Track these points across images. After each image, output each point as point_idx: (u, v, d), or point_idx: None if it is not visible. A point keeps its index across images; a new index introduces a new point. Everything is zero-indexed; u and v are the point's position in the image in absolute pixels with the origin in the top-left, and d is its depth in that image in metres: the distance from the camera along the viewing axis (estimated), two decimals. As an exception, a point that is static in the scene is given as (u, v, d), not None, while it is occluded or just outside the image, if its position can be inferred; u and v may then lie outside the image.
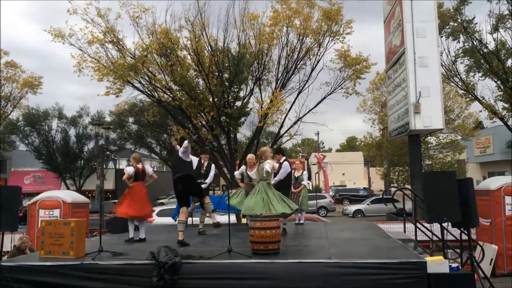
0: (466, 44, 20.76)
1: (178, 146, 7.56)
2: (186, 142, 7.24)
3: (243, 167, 8.97)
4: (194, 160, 8.17)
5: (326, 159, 55.61)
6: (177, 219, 7.46)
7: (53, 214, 11.20)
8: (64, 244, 6.15)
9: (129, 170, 7.78)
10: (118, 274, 5.63)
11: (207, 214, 8.26)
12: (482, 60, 20.51)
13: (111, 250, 6.33)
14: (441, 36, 19.55)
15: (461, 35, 20.53)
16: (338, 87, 19.59)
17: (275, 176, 8.14)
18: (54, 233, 6.25)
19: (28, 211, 11.63)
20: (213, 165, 9.38)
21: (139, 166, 7.87)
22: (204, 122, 19.46)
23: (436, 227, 7.59)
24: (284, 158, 8.57)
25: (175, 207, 10.66)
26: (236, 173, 9.22)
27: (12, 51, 28.01)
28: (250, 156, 8.81)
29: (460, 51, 21.03)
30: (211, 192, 10.75)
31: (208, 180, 8.90)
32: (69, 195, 12.25)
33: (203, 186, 8.34)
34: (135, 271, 5.62)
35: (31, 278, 5.76)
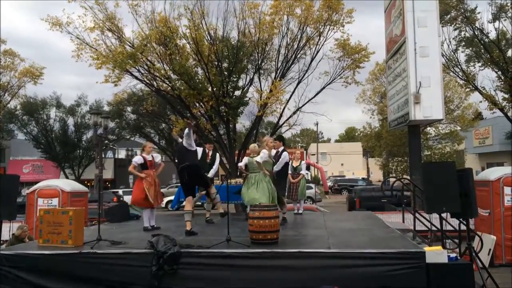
0: (467, 33, 20.63)
1: (178, 137, 7.51)
2: (187, 130, 7.16)
3: (246, 158, 8.88)
4: (199, 150, 8.10)
5: (325, 149, 55.72)
6: (184, 209, 7.40)
7: (51, 203, 11.18)
8: (63, 232, 6.14)
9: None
10: (117, 263, 5.63)
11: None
12: (483, 50, 20.40)
13: (109, 239, 6.33)
14: (442, 26, 19.41)
15: (462, 25, 20.38)
16: (337, 77, 19.55)
17: (274, 165, 8.12)
18: (52, 222, 6.24)
19: (26, 199, 11.62)
20: (217, 155, 9.36)
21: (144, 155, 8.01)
22: (203, 112, 19.39)
23: (435, 217, 7.59)
24: (283, 147, 8.54)
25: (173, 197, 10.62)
26: (241, 164, 9.09)
27: (7, 41, 27.88)
28: (251, 146, 8.77)
29: (461, 40, 20.88)
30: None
31: (213, 170, 8.86)
32: (68, 184, 12.23)
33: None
34: (133, 260, 5.62)
35: (29, 266, 5.76)
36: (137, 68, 17.81)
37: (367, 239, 6.39)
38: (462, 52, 21.30)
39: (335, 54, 19.14)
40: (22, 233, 8.24)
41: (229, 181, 7.88)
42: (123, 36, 17.86)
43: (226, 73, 18.12)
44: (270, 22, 17.99)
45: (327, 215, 10.95)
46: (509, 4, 19.35)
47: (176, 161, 7.55)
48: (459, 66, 21.51)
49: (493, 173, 10.26)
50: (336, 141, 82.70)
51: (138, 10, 17.55)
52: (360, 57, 18.81)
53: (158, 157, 8.35)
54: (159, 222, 8.72)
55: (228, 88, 18.45)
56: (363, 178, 43.74)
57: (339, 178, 47.87)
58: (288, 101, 19.36)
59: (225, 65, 18.39)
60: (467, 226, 6.57)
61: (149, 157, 7.93)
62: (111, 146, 40.04)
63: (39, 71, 29.49)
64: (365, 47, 18.72)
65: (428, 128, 26.39)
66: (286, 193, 8.95)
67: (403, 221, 10.22)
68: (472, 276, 5.35)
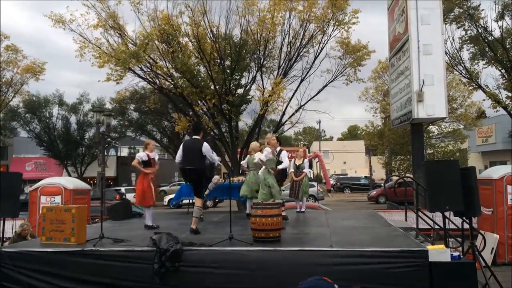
0: (470, 31, 20.54)
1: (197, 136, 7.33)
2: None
3: (249, 156, 8.89)
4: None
5: (327, 147, 55.69)
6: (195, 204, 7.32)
7: (54, 200, 11.17)
8: (66, 230, 6.14)
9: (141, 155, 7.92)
10: (119, 260, 5.63)
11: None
12: (487, 48, 20.31)
13: (112, 237, 6.33)
14: (446, 24, 19.32)
15: (466, 22, 20.28)
16: (339, 75, 19.55)
17: (278, 163, 8.13)
18: (55, 219, 6.24)
19: (29, 197, 11.65)
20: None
21: (147, 152, 7.92)
22: (205, 110, 19.39)
23: (437, 215, 7.57)
24: (280, 148, 8.58)
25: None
26: (243, 162, 9.09)
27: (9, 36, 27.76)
28: (252, 144, 8.77)
29: (465, 38, 20.79)
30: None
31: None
32: (71, 182, 12.22)
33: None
34: (136, 258, 5.62)
35: (32, 264, 5.77)
36: (139, 66, 17.82)
37: (370, 238, 6.37)
38: (466, 50, 21.24)
39: (336, 52, 19.17)
40: (23, 231, 8.25)
41: (231, 179, 7.81)
42: (126, 34, 17.86)
43: (228, 71, 18.10)
44: (271, 18, 17.91)
45: (329, 213, 10.94)
46: None
47: (181, 158, 7.27)
48: (463, 64, 21.43)
49: (496, 172, 10.21)
50: (339, 139, 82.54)
51: (140, 8, 17.58)
52: (361, 55, 18.80)
53: (156, 156, 8.37)
54: (161, 220, 8.74)
55: (231, 86, 18.44)
56: (365, 176, 43.68)
57: (341, 176, 47.83)
58: (290, 99, 19.39)
59: (227, 63, 18.38)
60: (470, 225, 6.54)
61: (152, 155, 7.96)
62: (114, 144, 40.06)
63: (40, 67, 29.38)
64: (365, 45, 18.74)
65: (431, 126, 26.32)
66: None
67: (406, 220, 10.18)
68: (475, 275, 5.32)
